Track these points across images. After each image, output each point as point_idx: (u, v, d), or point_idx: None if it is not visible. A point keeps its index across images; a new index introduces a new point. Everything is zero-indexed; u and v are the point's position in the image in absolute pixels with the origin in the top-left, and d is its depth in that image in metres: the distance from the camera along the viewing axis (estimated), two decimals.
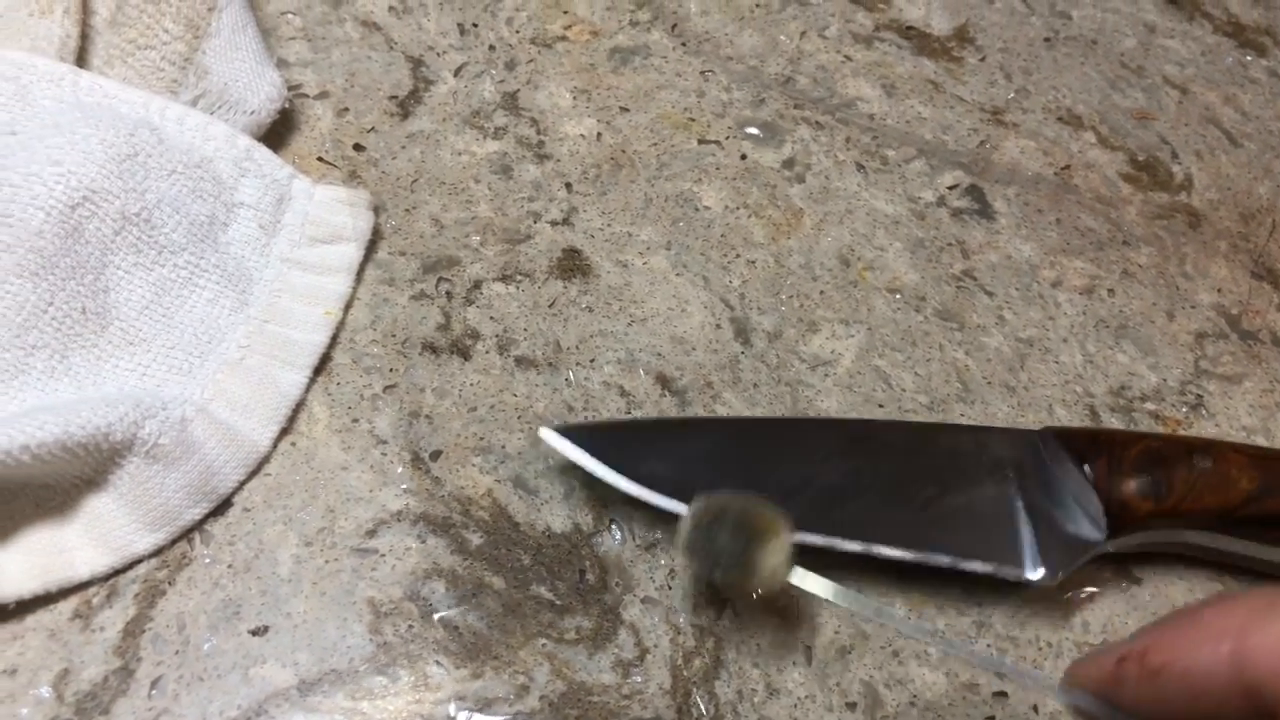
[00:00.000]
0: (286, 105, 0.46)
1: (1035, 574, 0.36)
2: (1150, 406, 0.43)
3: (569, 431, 0.38)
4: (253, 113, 0.45)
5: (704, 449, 0.38)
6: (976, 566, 0.37)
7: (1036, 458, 0.39)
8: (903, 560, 0.36)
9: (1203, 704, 0.23)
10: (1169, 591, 0.39)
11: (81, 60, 0.46)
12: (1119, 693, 0.25)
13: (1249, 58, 0.57)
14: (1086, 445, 0.38)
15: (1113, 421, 0.43)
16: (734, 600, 0.37)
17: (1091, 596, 0.38)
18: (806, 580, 0.33)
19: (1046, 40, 0.57)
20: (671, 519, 0.36)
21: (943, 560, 0.37)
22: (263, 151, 0.44)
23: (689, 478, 0.37)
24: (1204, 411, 0.44)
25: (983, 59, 0.55)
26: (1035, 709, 0.36)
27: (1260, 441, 0.43)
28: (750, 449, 0.39)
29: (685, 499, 0.35)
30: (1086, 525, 0.37)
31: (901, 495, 0.38)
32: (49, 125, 0.41)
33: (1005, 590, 0.38)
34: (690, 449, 0.38)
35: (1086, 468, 0.37)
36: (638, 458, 0.37)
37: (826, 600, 0.33)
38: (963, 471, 0.38)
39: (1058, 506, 0.38)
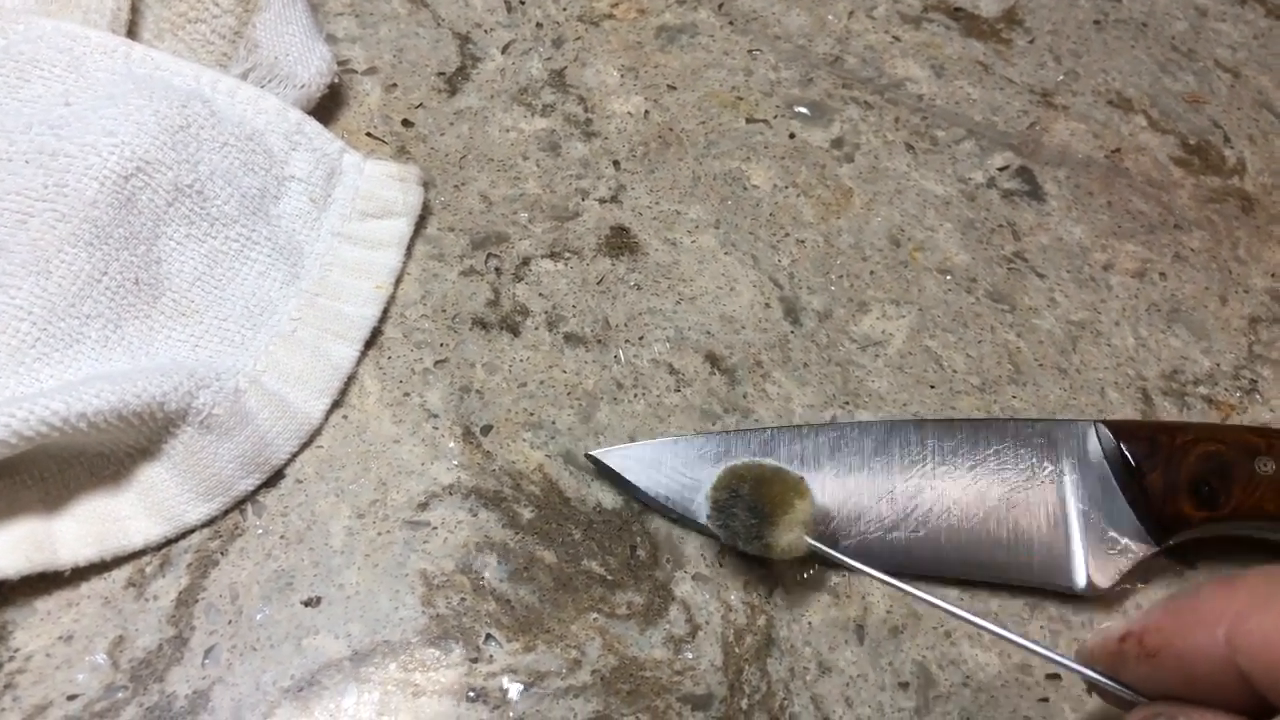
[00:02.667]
0: (335, 80, 0.46)
1: (1084, 583, 0.36)
2: (1203, 391, 0.43)
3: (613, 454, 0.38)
4: (303, 87, 0.45)
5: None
6: (1025, 579, 0.37)
7: (1088, 454, 0.38)
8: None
9: (1199, 686, 0.24)
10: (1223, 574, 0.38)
11: (131, 33, 0.46)
12: (1121, 670, 0.26)
13: None
14: (1143, 449, 0.37)
15: (1166, 405, 0.42)
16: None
17: (1147, 579, 0.38)
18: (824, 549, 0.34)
19: (1096, 23, 0.56)
20: None
21: (990, 575, 0.37)
22: (313, 125, 0.44)
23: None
24: (1258, 396, 0.43)
25: (1031, 41, 0.55)
26: (1089, 691, 0.35)
27: None
28: (793, 459, 0.38)
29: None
30: (1137, 530, 0.37)
31: (949, 510, 0.37)
32: (103, 96, 0.41)
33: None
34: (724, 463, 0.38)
35: (1141, 473, 0.37)
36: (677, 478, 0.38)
37: (855, 570, 0.34)
38: (1012, 474, 0.38)
39: (1109, 510, 0.37)
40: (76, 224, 0.37)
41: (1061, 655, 0.28)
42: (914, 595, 0.32)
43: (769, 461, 0.36)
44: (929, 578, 0.37)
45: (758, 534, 0.34)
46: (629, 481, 0.37)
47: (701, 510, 0.36)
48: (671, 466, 0.38)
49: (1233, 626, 0.23)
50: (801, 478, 0.35)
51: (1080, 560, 0.37)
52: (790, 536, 0.34)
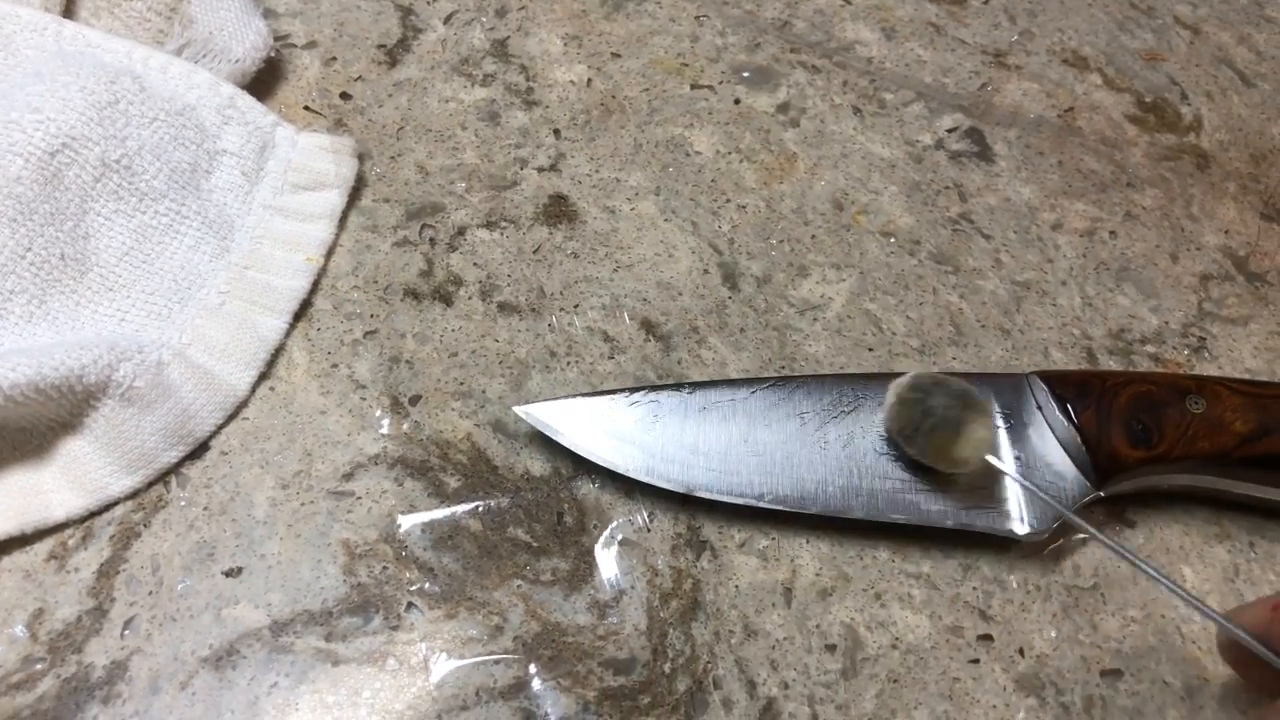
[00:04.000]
0: (273, 54, 0.46)
1: (1024, 529, 0.36)
2: (1150, 349, 0.42)
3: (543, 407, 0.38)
4: (237, 61, 0.45)
5: (673, 417, 0.38)
6: (962, 524, 0.36)
7: (1024, 404, 0.38)
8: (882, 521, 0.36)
9: None
10: (1164, 534, 0.38)
11: (68, 11, 0.46)
12: (1272, 637, 0.28)
13: None
14: (1074, 391, 0.37)
15: (1111, 364, 0.42)
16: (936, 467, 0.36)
17: (1084, 540, 0.37)
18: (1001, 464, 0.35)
19: None
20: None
21: (926, 519, 0.36)
22: (246, 99, 0.43)
23: (654, 449, 0.37)
24: (1206, 354, 0.42)
25: (986, 1, 0.54)
26: (1021, 652, 0.35)
27: None
28: (725, 415, 0.38)
29: (660, 475, 0.36)
30: (1076, 475, 0.36)
31: (883, 453, 0.37)
32: (31, 74, 0.41)
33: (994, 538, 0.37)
34: (664, 422, 0.38)
35: (1074, 415, 0.37)
36: (605, 430, 0.37)
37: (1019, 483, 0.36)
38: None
39: (1046, 456, 0.37)
40: (0, 200, 0.37)
41: (1223, 618, 0.30)
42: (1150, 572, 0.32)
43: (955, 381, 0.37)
44: (867, 527, 0.37)
45: (954, 424, 0.35)
46: (556, 435, 0.37)
47: (634, 464, 0.37)
48: (598, 419, 0.37)
49: None
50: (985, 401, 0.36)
51: (1017, 506, 0.36)
52: (983, 433, 0.35)
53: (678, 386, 0.38)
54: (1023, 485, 0.35)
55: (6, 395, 0.33)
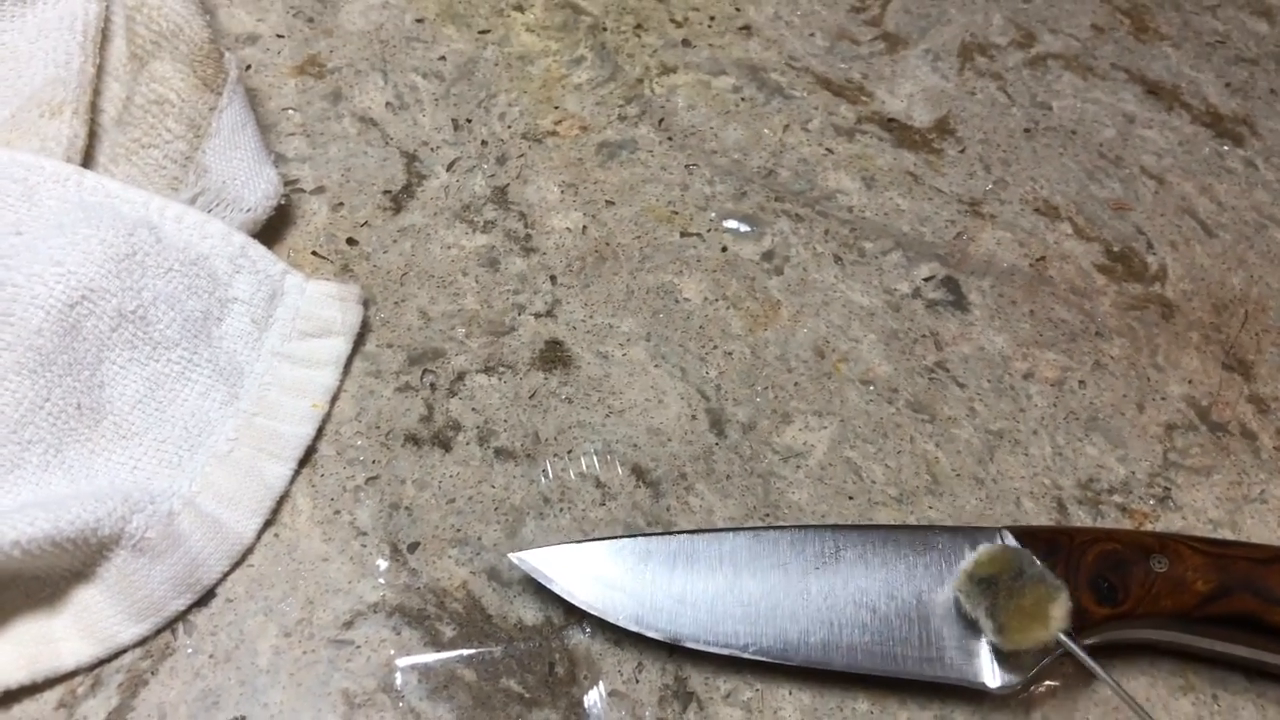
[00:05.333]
0: (283, 201, 0.48)
1: (995, 681, 0.37)
2: (1118, 499, 0.44)
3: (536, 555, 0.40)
4: (249, 210, 0.47)
5: (662, 566, 0.40)
6: (937, 675, 0.38)
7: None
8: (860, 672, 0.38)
9: None
10: (1132, 686, 0.40)
11: (89, 157, 0.48)
12: None
13: (1226, 147, 0.58)
14: (1044, 548, 0.39)
15: (1080, 514, 0.44)
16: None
17: (1054, 691, 0.39)
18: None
19: (1026, 131, 0.58)
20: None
21: (903, 670, 0.38)
22: (257, 248, 0.46)
23: (643, 598, 0.39)
24: (1171, 504, 0.44)
25: (962, 150, 0.57)
26: None
27: (1226, 535, 0.44)
28: (713, 565, 0.40)
29: (647, 625, 0.38)
30: None
31: (863, 604, 0.39)
32: (52, 225, 0.43)
33: (969, 692, 0.38)
34: (654, 571, 0.39)
35: None
36: (595, 577, 0.39)
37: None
38: (923, 577, 0.39)
39: None
40: (21, 352, 0.39)
41: None
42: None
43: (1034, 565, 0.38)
44: (848, 678, 0.38)
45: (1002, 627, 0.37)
46: (548, 582, 0.39)
47: (623, 612, 0.38)
48: (589, 566, 0.39)
49: None
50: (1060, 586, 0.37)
51: (989, 659, 0.38)
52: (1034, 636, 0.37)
53: (666, 534, 0.40)
54: (1094, 671, 0.36)
55: (24, 549, 0.35)
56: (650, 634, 0.38)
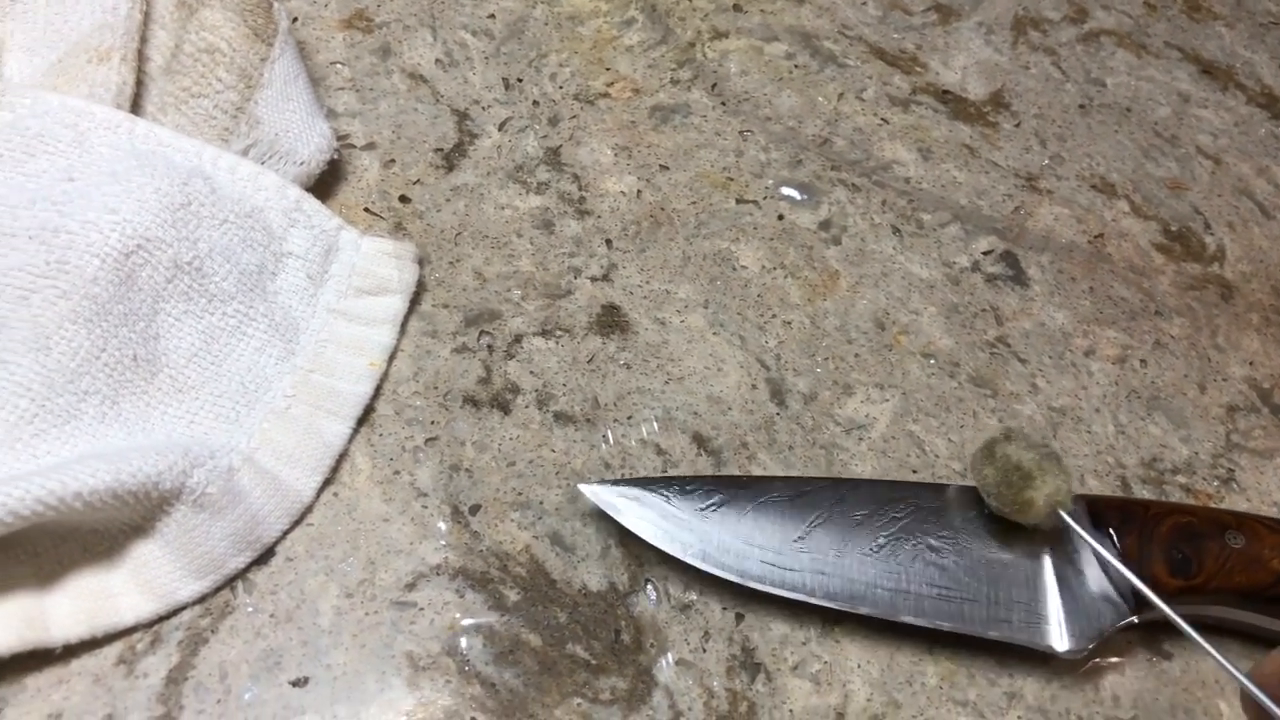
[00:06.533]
0: (335, 156, 0.47)
1: (1062, 644, 0.37)
2: (1181, 480, 0.44)
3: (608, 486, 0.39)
4: (302, 163, 0.46)
5: (738, 511, 0.39)
6: (1004, 635, 0.37)
7: (1067, 527, 0.39)
8: (929, 627, 0.37)
9: None
10: (1199, 667, 0.39)
11: (136, 106, 0.47)
12: None
13: None
14: (1117, 517, 0.39)
15: (1144, 494, 0.43)
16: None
17: (1120, 668, 0.39)
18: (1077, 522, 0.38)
19: (1081, 107, 0.57)
20: (707, 579, 0.38)
21: (970, 628, 0.37)
22: (312, 202, 0.45)
23: (711, 537, 0.38)
24: (1235, 486, 0.44)
25: (1018, 125, 0.56)
26: None
27: None
28: (782, 511, 0.39)
29: (714, 562, 0.38)
30: (1114, 598, 0.38)
31: (932, 561, 0.38)
32: (105, 173, 0.42)
33: (1035, 660, 0.38)
34: (722, 513, 0.39)
35: (1116, 540, 0.38)
36: (663, 514, 0.38)
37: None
38: (994, 538, 0.39)
39: (1086, 577, 0.38)
40: (77, 301, 0.38)
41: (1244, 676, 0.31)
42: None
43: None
44: (916, 649, 0.38)
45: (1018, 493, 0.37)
46: (616, 514, 0.38)
47: (690, 549, 0.38)
48: (660, 504, 0.39)
49: None
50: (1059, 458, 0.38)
51: (1058, 623, 0.37)
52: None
53: (736, 478, 0.40)
54: (1093, 548, 0.37)
55: (86, 501, 0.34)
56: (716, 572, 0.37)
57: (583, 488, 0.39)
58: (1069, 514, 0.37)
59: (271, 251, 0.43)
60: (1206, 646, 0.33)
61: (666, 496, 0.39)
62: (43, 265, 0.38)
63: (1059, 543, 0.39)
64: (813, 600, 0.37)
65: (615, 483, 0.39)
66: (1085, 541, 0.37)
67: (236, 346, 0.41)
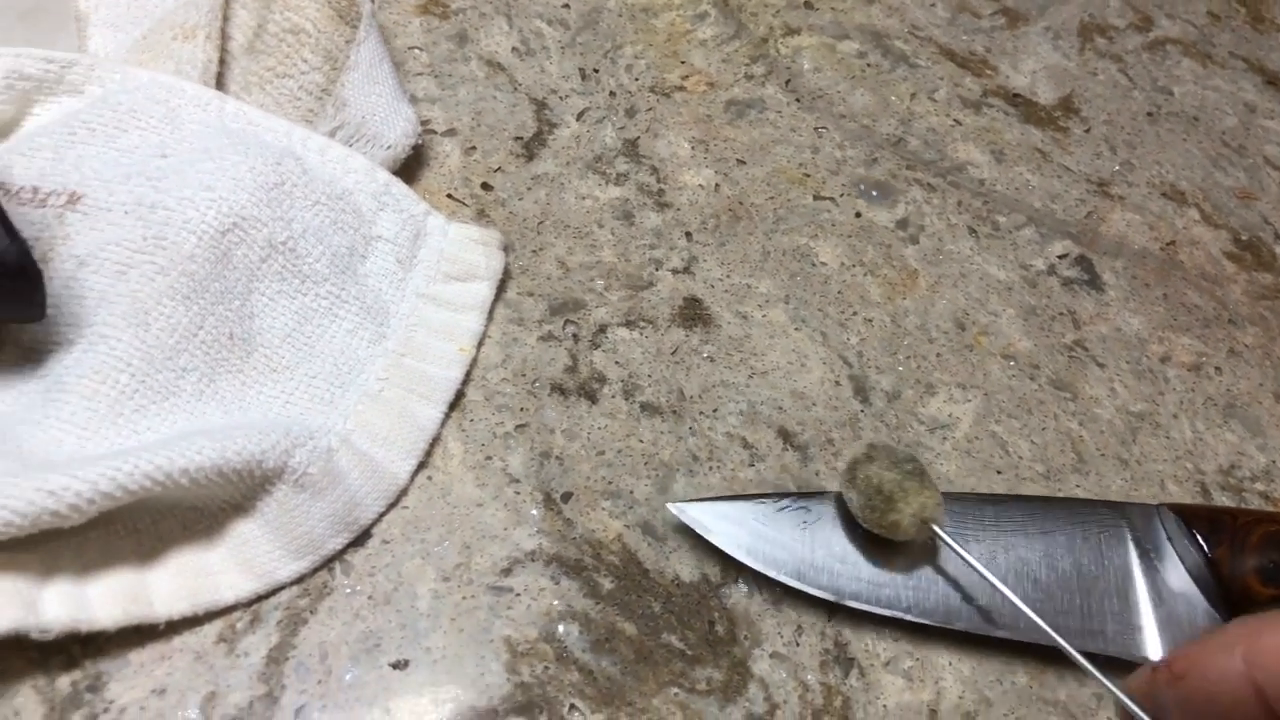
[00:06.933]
0: (419, 141, 0.47)
1: (1158, 654, 0.37)
2: (1260, 487, 0.44)
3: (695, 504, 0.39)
4: (389, 147, 0.46)
5: (822, 526, 0.39)
6: (1100, 649, 0.37)
7: (1155, 534, 0.39)
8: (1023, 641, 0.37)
9: (1222, 706, 0.26)
10: None
11: (220, 85, 0.47)
12: (1155, 697, 0.28)
13: None
14: (1207, 526, 0.39)
15: (1224, 500, 0.43)
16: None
17: None
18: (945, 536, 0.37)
19: (1149, 115, 0.58)
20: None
21: (1066, 640, 0.37)
22: (400, 186, 0.44)
23: (804, 555, 0.38)
24: None
25: (1088, 130, 0.56)
26: None
27: None
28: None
29: (809, 581, 0.38)
30: (1205, 607, 0.38)
31: (1023, 574, 0.38)
32: (199, 150, 0.41)
33: (1122, 661, 0.38)
34: (813, 531, 0.39)
35: (1206, 549, 0.38)
36: (755, 533, 0.38)
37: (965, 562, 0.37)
38: (1081, 548, 0.39)
39: (1176, 586, 0.38)
40: (174, 277, 0.38)
41: (1118, 687, 0.30)
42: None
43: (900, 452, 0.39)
44: (1005, 650, 0.38)
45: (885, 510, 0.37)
46: (707, 534, 0.38)
47: (785, 568, 0.38)
48: (751, 522, 0.38)
49: (1249, 644, 0.25)
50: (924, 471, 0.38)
51: (1152, 633, 0.38)
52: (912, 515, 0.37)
53: (824, 494, 0.40)
54: (963, 557, 0.37)
55: (192, 477, 0.34)
56: (812, 591, 0.37)
57: (670, 506, 0.39)
58: (943, 529, 0.37)
59: (361, 234, 0.43)
60: None
61: (757, 515, 0.39)
62: (139, 240, 0.38)
63: (1147, 554, 0.39)
64: (908, 618, 0.37)
65: (703, 500, 0.39)
66: (965, 559, 0.37)
67: (329, 328, 0.41)
